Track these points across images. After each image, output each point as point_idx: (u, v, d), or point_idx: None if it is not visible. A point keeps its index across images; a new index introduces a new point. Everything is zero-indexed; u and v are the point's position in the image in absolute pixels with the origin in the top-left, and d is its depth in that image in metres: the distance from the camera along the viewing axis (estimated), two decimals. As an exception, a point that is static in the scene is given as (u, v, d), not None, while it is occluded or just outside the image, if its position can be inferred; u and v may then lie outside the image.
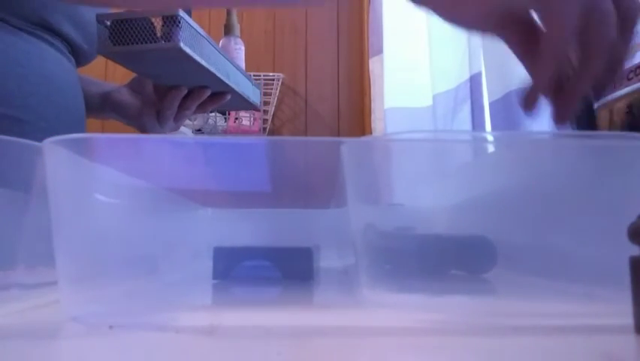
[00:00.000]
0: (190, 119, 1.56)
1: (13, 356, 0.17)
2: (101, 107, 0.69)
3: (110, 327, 0.20)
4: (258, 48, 1.71)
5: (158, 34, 0.47)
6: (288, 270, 0.33)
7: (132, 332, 0.20)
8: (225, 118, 1.62)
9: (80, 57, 0.64)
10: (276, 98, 1.65)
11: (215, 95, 0.62)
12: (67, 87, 0.60)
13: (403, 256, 0.26)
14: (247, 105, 0.69)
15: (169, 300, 0.28)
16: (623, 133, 0.41)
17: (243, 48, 0.86)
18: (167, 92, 0.61)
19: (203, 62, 0.51)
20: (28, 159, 0.25)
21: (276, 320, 0.23)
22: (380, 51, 1.46)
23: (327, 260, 0.37)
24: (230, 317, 0.23)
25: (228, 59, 0.60)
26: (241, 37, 0.86)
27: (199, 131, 1.59)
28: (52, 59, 0.59)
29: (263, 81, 1.65)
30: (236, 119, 1.62)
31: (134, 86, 0.69)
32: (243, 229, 0.38)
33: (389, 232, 0.26)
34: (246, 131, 1.62)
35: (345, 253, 0.34)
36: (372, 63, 1.57)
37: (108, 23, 0.48)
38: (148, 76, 0.62)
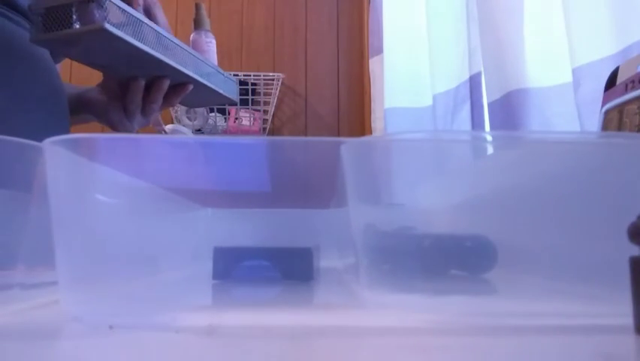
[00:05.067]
0: (190, 119, 1.56)
1: (13, 356, 0.17)
2: (77, 108, 0.70)
3: (110, 327, 0.20)
4: (258, 48, 1.71)
5: (84, 18, 0.47)
6: (288, 270, 0.33)
7: (132, 332, 0.20)
8: (225, 118, 1.62)
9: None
10: (275, 98, 1.65)
11: (179, 87, 0.62)
12: (49, 67, 0.63)
13: (403, 256, 0.26)
14: (222, 99, 0.68)
15: (169, 300, 0.28)
16: (623, 133, 0.41)
17: (214, 42, 0.83)
18: (128, 85, 0.62)
19: (140, 45, 0.51)
20: (28, 159, 0.25)
21: (276, 320, 0.23)
22: (380, 51, 1.46)
23: (327, 260, 0.37)
24: (230, 317, 0.23)
25: (188, 49, 0.59)
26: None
27: (199, 131, 1.59)
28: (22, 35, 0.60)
29: (263, 81, 1.65)
30: (237, 119, 1.62)
31: (102, 84, 0.70)
32: (243, 229, 0.38)
33: (389, 232, 0.26)
34: (246, 131, 1.62)
35: (345, 253, 0.34)
36: (372, 63, 1.57)
37: (40, 12, 0.49)
38: (98, 67, 0.61)
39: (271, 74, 1.65)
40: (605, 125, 0.46)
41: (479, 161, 0.25)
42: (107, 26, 0.47)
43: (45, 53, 0.63)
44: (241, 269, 0.33)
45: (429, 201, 0.27)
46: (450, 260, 0.29)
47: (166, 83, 0.61)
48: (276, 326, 0.21)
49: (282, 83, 1.66)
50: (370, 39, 1.60)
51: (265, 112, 1.65)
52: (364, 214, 0.25)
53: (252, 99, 1.63)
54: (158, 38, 0.54)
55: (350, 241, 0.26)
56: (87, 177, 0.25)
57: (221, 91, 0.66)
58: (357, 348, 0.18)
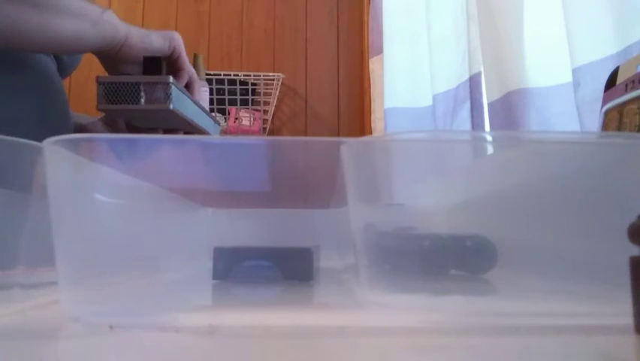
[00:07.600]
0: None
1: (13, 356, 0.17)
2: None
3: (110, 327, 0.20)
4: (258, 48, 1.71)
5: (149, 96, 0.57)
6: (288, 270, 0.33)
7: (132, 332, 0.20)
8: (225, 118, 1.62)
9: (60, 65, 0.69)
10: (275, 98, 1.65)
11: (185, 134, 0.71)
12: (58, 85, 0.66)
13: (403, 256, 0.26)
14: None
15: (169, 300, 0.28)
16: (623, 133, 0.41)
17: (207, 89, 1.07)
18: (142, 130, 0.69)
19: (185, 116, 0.61)
20: (28, 159, 0.25)
21: (276, 320, 0.23)
22: (380, 51, 1.46)
23: (327, 260, 0.37)
24: (230, 317, 0.23)
25: (198, 105, 0.70)
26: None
27: (199, 131, 1.59)
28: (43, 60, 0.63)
29: (263, 81, 1.64)
30: (236, 119, 1.62)
31: (107, 120, 0.73)
32: (243, 229, 0.38)
33: (389, 232, 0.26)
34: (246, 132, 1.62)
35: (345, 253, 0.34)
36: (372, 63, 1.57)
37: (108, 84, 0.57)
38: (133, 122, 0.70)
39: (271, 74, 1.65)
40: (605, 125, 0.46)
41: (479, 161, 0.25)
42: (171, 106, 0.56)
43: (50, 67, 0.65)
44: (241, 269, 0.33)
45: (429, 201, 0.27)
46: (450, 260, 0.29)
47: (179, 134, 0.68)
48: (276, 325, 0.21)
49: (282, 83, 1.66)
50: (370, 39, 1.60)
51: (265, 112, 1.65)
52: (364, 214, 0.25)
53: (252, 99, 1.63)
54: (191, 106, 0.64)
55: (350, 241, 0.26)
56: (87, 177, 0.25)
57: (211, 134, 0.76)
58: (357, 348, 0.18)
